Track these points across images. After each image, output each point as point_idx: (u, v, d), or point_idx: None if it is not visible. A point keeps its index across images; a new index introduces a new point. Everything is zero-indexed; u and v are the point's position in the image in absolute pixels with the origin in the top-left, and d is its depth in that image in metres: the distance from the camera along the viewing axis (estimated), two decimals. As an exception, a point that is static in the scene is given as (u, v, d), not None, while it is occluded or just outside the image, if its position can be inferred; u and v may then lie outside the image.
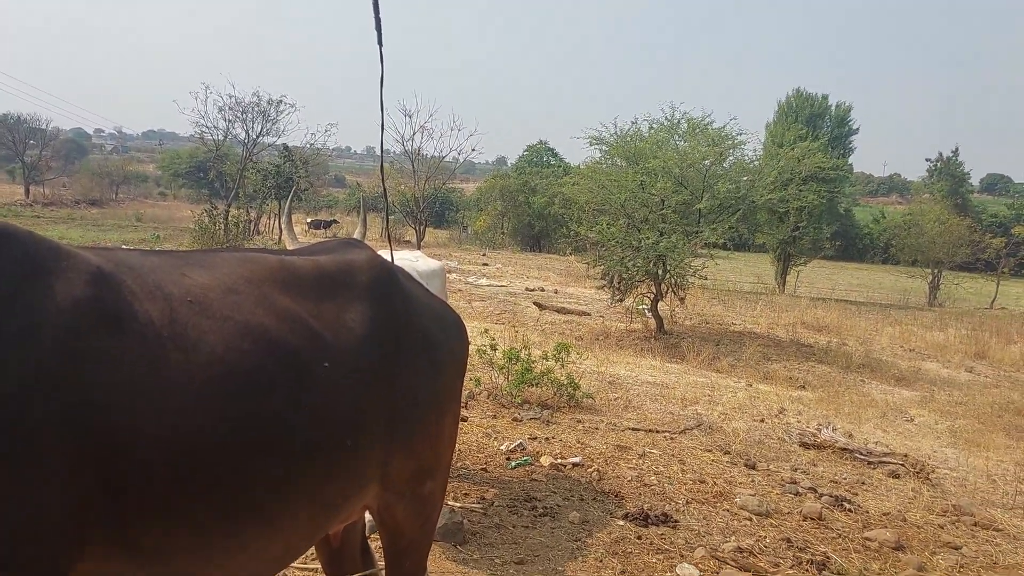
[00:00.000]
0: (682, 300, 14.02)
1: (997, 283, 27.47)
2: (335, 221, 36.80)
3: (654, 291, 13.70)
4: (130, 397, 1.22)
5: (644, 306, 14.07)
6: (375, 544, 2.70)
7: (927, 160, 51.90)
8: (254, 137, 33.33)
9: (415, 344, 1.90)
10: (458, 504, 4.43)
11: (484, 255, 30.59)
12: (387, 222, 3.07)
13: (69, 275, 1.23)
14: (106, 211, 43.31)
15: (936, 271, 27.39)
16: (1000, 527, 4.97)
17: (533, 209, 38.60)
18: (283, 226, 3.12)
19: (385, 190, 2.69)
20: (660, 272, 13.36)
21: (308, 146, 35.25)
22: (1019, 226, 38.46)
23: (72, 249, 1.31)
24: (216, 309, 1.42)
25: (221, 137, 33.25)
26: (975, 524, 4.99)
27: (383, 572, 1.95)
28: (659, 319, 13.67)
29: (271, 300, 1.57)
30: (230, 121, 32.71)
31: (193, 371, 1.31)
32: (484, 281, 20.20)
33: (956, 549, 4.53)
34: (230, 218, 24.65)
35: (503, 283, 20.07)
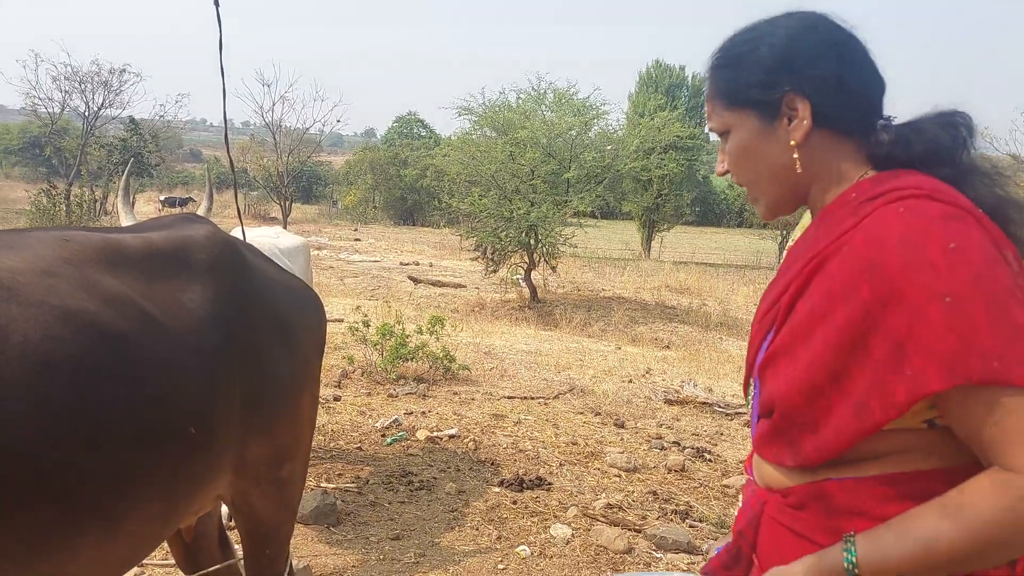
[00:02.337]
0: (554, 269, 14.34)
1: (838, 241, 29.77)
2: (191, 199, 34.77)
3: (527, 261, 13.92)
4: None
5: (518, 276, 14.28)
6: (235, 534, 2.61)
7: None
8: (95, 109, 30.74)
9: (266, 322, 1.82)
10: (331, 486, 4.36)
11: (356, 230, 29.94)
12: (236, 195, 2.92)
13: None
14: (-76, 193, 38.85)
15: (784, 232, 29.38)
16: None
17: (405, 182, 38.09)
18: (119, 201, 2.89)
19: (231, 160, 2.55)
20: (532, 242, 13.59)
21: (158, 118, 32.92)
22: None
23: None
24: (28, 294, 1.28)
25: (57, 110, 30.49)
26: (819, 464, 5.44)
27: (243, 563, 1.87)
28: (533, 288, 13.92)
29: (95, 282, 1.44)
30: (67, 92, 30.03)
31: (5, 362, 1.19)
32: (357, 257, 19.80)
33: (802, 488, 4.93)
34: (72, 198, 22.76)
35: (376, 258, 19.76)
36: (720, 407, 6.87)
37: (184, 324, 1.59)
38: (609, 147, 14.98)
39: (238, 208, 2.82)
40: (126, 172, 2.84)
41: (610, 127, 15.65)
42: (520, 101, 15.15)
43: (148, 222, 2.00)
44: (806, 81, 1.02)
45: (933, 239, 0.90)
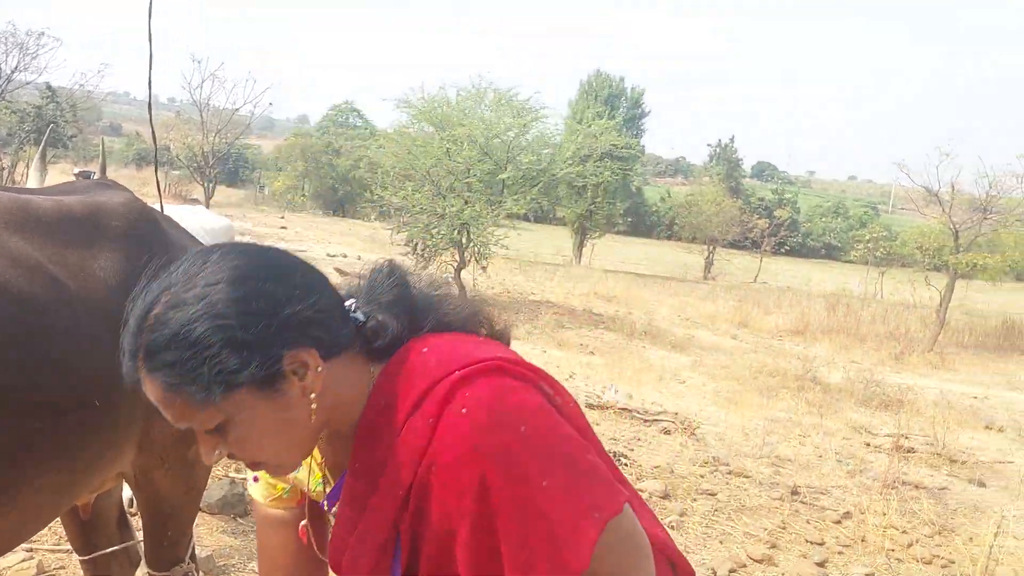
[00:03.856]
0: (484, 268, 14.33)
1: (760, 260, 30.88)
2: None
3: (458, 259, 13.86)
4: None
5: (447, 274, 14.20)
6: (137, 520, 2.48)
7: (708, 145, 57.03)
8: (8, 72, 29.05)
9: None
10: (240, 475, 4.21)
11: (283, 218, 29.23)
12: (156, 170, 2.78)
13: None
14: None
15: (711, 248, 30.23)
16: (749, 474, 5.61)
17: (337, 172, 37.44)
18: (34, 165, 2.72)
19: (154, 133, 2.44)
20: (464, 240, 13.53)
21: (78, 87, 31.33)
22: (780, 209, 43.48)
23: None
24: None
25: (-34, 69, 28.68)
26: (730, 472, 5.59)
27: (143, 544, 1.78)
28: (462, 287, 13.85)
29: (2, 243, 1.37)
30: (-22, 51, 28.30)
31: None
32: (282, 245, 19.28)
33: (712, 495, 5.05)
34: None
35: (303, 248, 19.31)
36: (639, 413, 6.99)
37: (92, 291, 1.51)
38: (546, 151, 15.07)
39: (158, 184, 2.69)
40: (44, 138, 2.67)
41: (548, 132, 15.75)
42: (460, 98, 15.08)
43: (62, 185, 1.89)
44: (298, 332, 0.95)
45: (506, 438, 0.95)
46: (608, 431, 6.33)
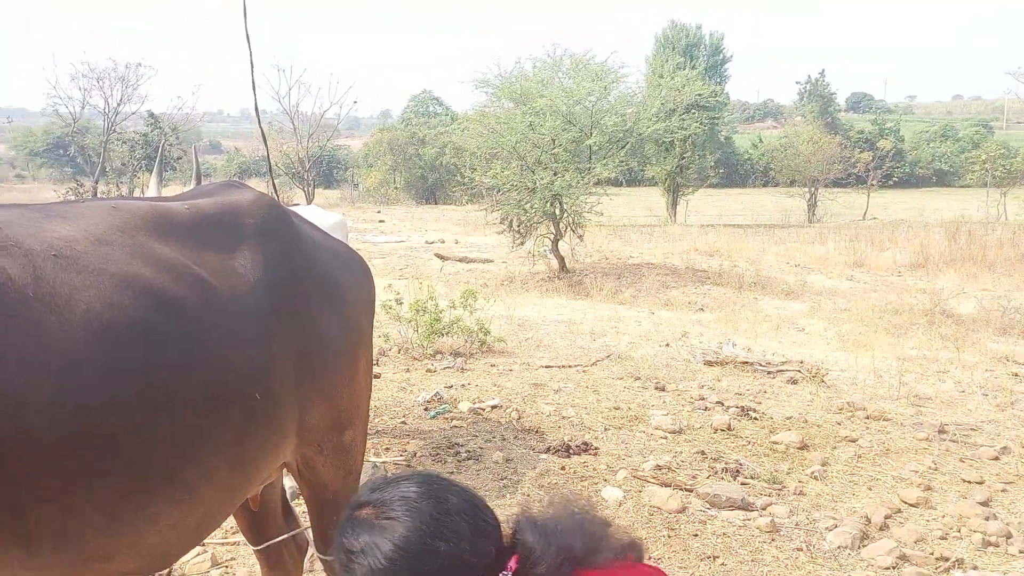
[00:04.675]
0: (581, 238, 14.22)
1: (868, 196, 29.29)
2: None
3: (553, 231, 13.81)
4: None
5: (545, 247, 14.18)
6: (300, 509, 2.61)
7: (797, 83, 54.27)
8: (114, 105, 30.98)
9: (315, 285, 1.79)
10: (380, 459, 4.37)
11: (379, 212, 29.95)
12: (271, 175, 2.89)
13: None
14: (-44, 199, 39.47)
15: (812, 189, 28.89)
16: (889, 417, 5.35)
17: (424, 161, 37.99)
18: (152, 182, 2.88)
19: (264, 137, 2.52)
20: (557, 212, 13.46)
21: (176, 111, 33.07)
22: (882, 140, 41.02)
23: None
24: (86, 262, 1.26)
25: (78, 108, 30.79)
26: (868, 417, 5.35)
27: (309, 532, 1.86)
28: (560, 259, 13.83)
29: (148, 249, 1.42)
30: (85, 90, 30.32)
31: (69, 332, 1.17)
32: (382, 238, 19.82)
33: (853, 442, 4.85)
34: (99, 195, 23.05)
35: (402, 238, 19.77)
36: (761, 366, 6.78)
37: (237, 288, 1.56)
38: (630, 110, 14.73)
39: (273, 186, 2.79)
40: (159, 155, 2.82)
41: (629, 91, 15.38)
42: (536, 70, 14.93)
43: (191, 191, 1.97)
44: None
45: None
46: (731, 386, 6.19)
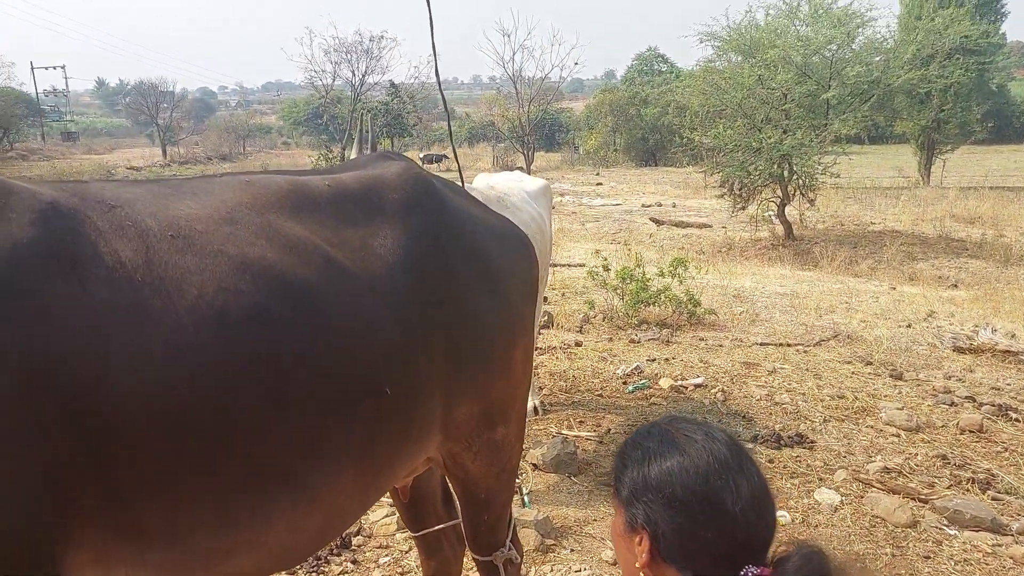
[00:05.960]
0: (812, 202, 13.05)
1: None
2: (445, 156, 36.93)
3: (780, 195, 12.81)
4: (97, 352, 1.03)
5: (770, 212, 13.22)
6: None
7: (1099, 18, 45.47)
8: (361, 76, 33.70)
9: (467, 267, 1.64)
10: (572, 433, 4.26)
11: (597, 174, 29.84)
12: (452, 144, 2.80)
13: (8, 215, 1.04)
14: (236, 165, 45.55)
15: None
16: None
17: (645, 121, 37.11)
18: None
19: (448, 111, 2.44)
20: (785, 174, 12.44)
21: (414, 80, 35.25)
22: None
23: (17, 184, 1.12)
24: (205, 243, 1.20)
25: (330, 80, 33.89)
26: None
27: (463, 528, 1.75)
28: (787, 224, 12.81)
29: (277, 229, 1.33)
30: (336, 63, 33.23)
31: (178, 317, 1.11)
32: (599, 201, 19.70)
33: None
34: (353, 153, 25.30)
35: (618, 201, 19.51)
36: (1029, 356, 5.73)
37: (375, 271, 1.44)
38: (878, 58, 13.12)
39: (455, 152, 2.72)
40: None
41: (879, 35, 13.65)
42: (769, 18, 13.76)
43: (344, 163, 1.89)
44: (652, 520, 1.09)
45: None
46: (987, 378, 5.29)
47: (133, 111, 60.70)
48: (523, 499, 3.40)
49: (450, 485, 1.82)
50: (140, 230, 1.15)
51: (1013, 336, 6.32)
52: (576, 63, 44.84)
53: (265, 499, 1.21)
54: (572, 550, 3.08)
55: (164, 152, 48.83)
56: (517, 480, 3.01)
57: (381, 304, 1.42)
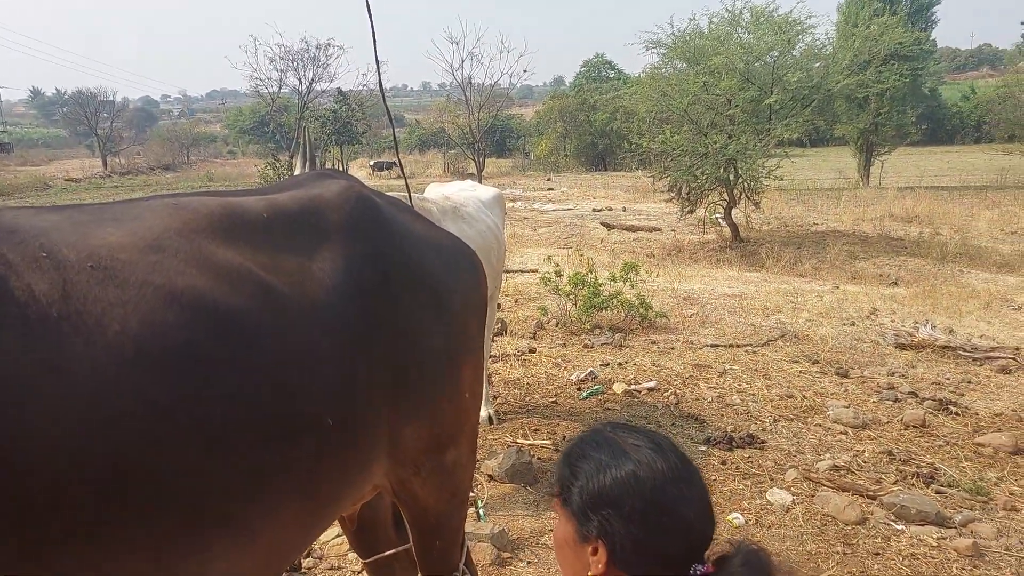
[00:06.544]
0: (757, 205, 13.32)
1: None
2: (395, 163, 36.62)
3: (726, 198, 13.03)
4: (8, 397, 0.93)
5: (717, 215, 13.43)
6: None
7: (1022, 23, 47.54)
8: (308, 84, 33.29)
9: (413, 291, 1.58)
10: (527, 442, 4.24)
11: (548, 179, 29.98)
12: (397, 153, 2.76)
13: None
14: (180, 175, 44.52)
15: (1036, 146, 25.22)
16: None
17: (595, 127, 37.46)
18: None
19: (391, 117, 2.39)
20: (731, 177, 12.67)
21: (362, 88, 34.97)
22: None
23: None
24: (129, 274, 1.11)
25: (276, 88, 33.38)
26: (1105, 419, 4.48)
27: (415, 555, 1.69)
28: (734, 227, 13.04)
29: (208, 255, 1.24)
30: (282, 71, 32.75)
31: (98, 357, 1.02)
32: (550, 206, 19.77)
33: (1085, 449, 4.07)
34: (293, 169, 24.91)
35: (569, 206, 19.61)
36: (966, 351, 5.92)
37: (314, 298, 1.37)
38: (817, 64, 13.46)
39: (401, 168, 2.67)
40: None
41: (818, 42, 14.01)
42: (713, 26, 14.00)
43: (283, 182, 1.81)
44: (609, 534, 1.08)
45: None
46: (929, 374, 5.45)
47: (71, 121, 58.84)
48: (478, 512, 3.36)
49: (401, 511, 1.76)
50: (56, 261, 1.06)
51: (951, 331, 6.53)
52: (525, 70, 45.10)
53: (201, 543, 1.13)
54: (528, 562, 3.06)
55: (104, 163, 47.42)
56: (472, 493, 2.97)
57: (320, 333, 1.34)
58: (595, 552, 1.10)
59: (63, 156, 58.56)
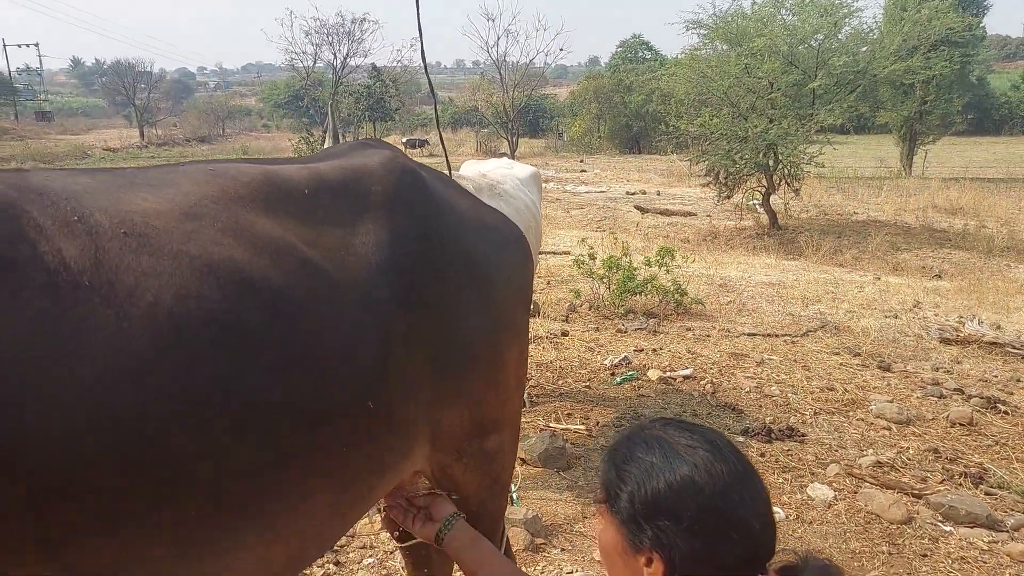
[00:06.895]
0: (797, 191, 13.03)
1: None
2: (427, 141, 36.51)
3: (765, 184, 12.78)
4: (33, 371, 0.87)
5: (755, 201, 13.19)
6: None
7: (1077, 12, 45.91)
8: (342, 59, 33.30)
9: (456, 267, 1.49)
10: (560, 426, 4.16)
11: (581, 161, 29.72)
12: (439, 130, 2.68)
13: None
14: (215, 147, 44.90)
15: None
16: None
17: (630, 109, 37.00)
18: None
19: (434, 92, 2.31)
20: (771, 163, 12.41)
21: (396, 63, 34.90)
22: None
23: None
24: (164, 242, 1.04)
25: (310, 62, 33.44)
26: None
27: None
28: (772, 214, 12.79)
29: (246, 225, 1.17)
30: (317, 45, 32.77)
31: (130, 329, 0.94)
32: (582, 188, 19.58)
33: None
34: (327, 144, 25.00)
35: (602, 189, 19.41)
36: (1015, 348, 5.72)
37: (355, 274, 1.29)
38: (864, 49, 13.08)
39: (441, 139, 2.59)
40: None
41: (864, 26, 13.61)
42: (756, 7, 13.67)
43: (324, 151, 1.72)
44: (666, 545, 1.01)
45: None
46: (975, 370, 5.27)
47: (110, 91, 59.68)
48: (511, 496, 3.30)
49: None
50: (89, 227, 0.99)
51: (999, 328, 6.32)
52: (561, 49, 44.62)
53: (227, 532, 1.06)
54: (563, 549, 2.99)
55: (142, 133, 48.02)
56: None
57: (360, 311, 1.26)
58: (649, 563, 1.03)
59: (101, 125, 59.45)
